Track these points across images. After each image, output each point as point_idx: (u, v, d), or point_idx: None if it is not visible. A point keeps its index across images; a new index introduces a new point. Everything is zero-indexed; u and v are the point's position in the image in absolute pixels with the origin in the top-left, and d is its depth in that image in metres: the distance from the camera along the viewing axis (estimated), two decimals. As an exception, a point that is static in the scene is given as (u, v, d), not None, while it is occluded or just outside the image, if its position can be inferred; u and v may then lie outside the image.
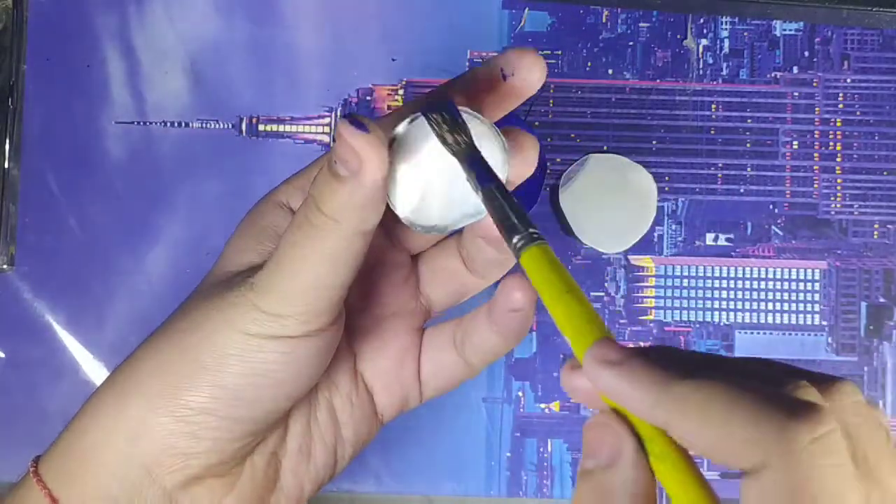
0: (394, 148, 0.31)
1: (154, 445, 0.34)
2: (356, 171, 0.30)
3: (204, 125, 0.55)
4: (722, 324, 0.55)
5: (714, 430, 0.25)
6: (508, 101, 0.35)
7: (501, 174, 0.32)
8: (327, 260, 0.32)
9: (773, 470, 0.24)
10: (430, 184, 0.32)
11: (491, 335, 0.37)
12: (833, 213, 0.55)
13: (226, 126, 0.55)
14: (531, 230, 0.29)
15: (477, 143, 0.31)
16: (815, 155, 0.56)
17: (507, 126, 0.33)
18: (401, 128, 0.32)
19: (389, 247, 0.38)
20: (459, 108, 0.32)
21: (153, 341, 0.35)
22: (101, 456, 0.34)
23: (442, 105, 0.32)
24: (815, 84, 0.56)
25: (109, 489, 0.34)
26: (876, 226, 0.55)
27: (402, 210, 0.32)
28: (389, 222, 0.32)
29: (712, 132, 0.55)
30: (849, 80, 0.56)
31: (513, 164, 0.32)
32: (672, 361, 0.27)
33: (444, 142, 0.31)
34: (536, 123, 0.55)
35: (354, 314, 0.38)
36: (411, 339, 0.39)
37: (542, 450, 0.54)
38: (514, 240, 0.30)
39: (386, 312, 0.39)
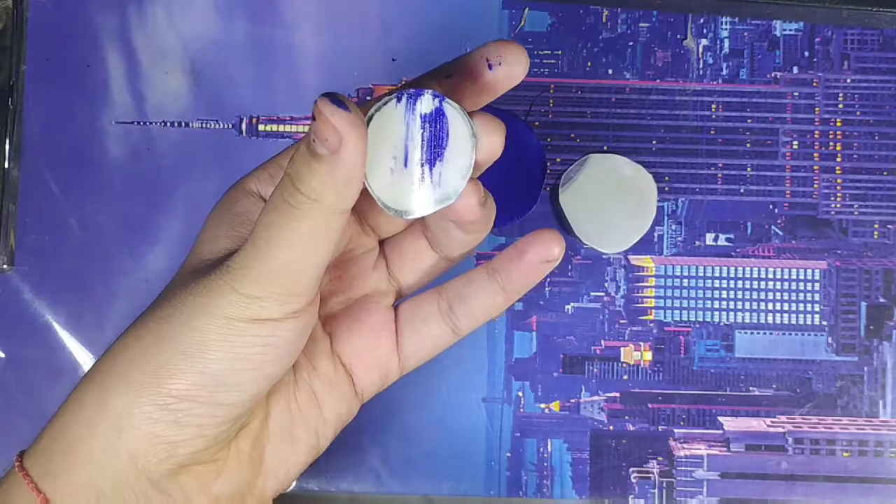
0: (369, 130, 0.32)
1: (138, 435, 0.33)
2: (336, 150, 0.30)
3: (204, 125, 0.55)
4: (722, 324, 0.55)
5: None
6: (490, 92, 0.36)
7: (470, 157, 0.33)
8: (305, 240, 0.32)
9: None
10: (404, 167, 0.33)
11: (494, 295, 0.38)
12: (833, 213, 0.55)
13: (226, 126, 0.55)
14: None
15: (447, 127, 0.32)
16: (815, 155, 0.56)
17: (478, 111, 0.34)
18: (375, 110, 0.32)
19: (359, 232, 0.38)
20: (431, 92, 0.32)
21: (132, 331, 0.35)
22: (86, 449, 0.34)
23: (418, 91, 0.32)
24: (815, 84, 0.56)
25: (96, 482, 0.34)
26: (876, 226, 0.55)
27: (379, 193, 0.32)
28: (359, 207, 0.32)
29: (712, 132, 0.55)
30: (849, 80, 0.56)
31: (481, 146, 0.33)
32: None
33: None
34: (536, 123, 0.55)
35: (327, 298, 0.39)
36: (385, 318, 0.39)
37: (542, 450, 0.54)
38: None
39: (358, 295, 0.39)
